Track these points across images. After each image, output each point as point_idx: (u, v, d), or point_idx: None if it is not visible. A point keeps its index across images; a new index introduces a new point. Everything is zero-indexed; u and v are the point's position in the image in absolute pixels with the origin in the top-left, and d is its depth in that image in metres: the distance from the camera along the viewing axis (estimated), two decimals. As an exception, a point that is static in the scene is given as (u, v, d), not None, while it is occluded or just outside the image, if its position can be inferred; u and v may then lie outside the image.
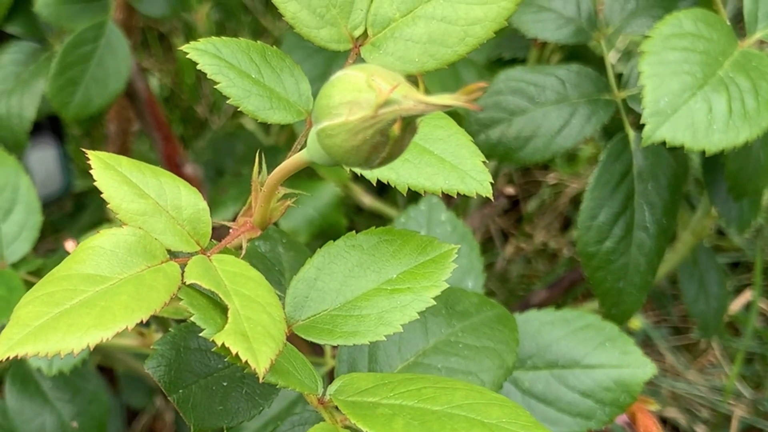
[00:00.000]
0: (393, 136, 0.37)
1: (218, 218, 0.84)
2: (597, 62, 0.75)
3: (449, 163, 0.48)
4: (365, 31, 0.51)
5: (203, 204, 0.47)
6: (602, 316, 0.72)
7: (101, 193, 0.45)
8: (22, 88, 0.80)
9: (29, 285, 0.67)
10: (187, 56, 0.49)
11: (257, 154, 0.49)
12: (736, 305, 1.26)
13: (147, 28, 1.34)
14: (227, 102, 0.49)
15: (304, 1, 0.50)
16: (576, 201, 1.31)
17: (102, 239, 0.43)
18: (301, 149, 0.46)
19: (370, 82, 0.37)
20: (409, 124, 0.37)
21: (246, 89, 0.49)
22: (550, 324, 0.68)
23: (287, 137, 0.92)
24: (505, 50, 0.85)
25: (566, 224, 1.34)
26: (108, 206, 0.45)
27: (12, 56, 0.81)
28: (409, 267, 0.49)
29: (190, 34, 1.23)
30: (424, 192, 0.48)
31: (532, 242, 1.32)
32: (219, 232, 0.88)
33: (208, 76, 0.49)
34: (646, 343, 1.27)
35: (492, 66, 0.86)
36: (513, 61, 0.86)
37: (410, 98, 0.36)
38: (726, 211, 0.79)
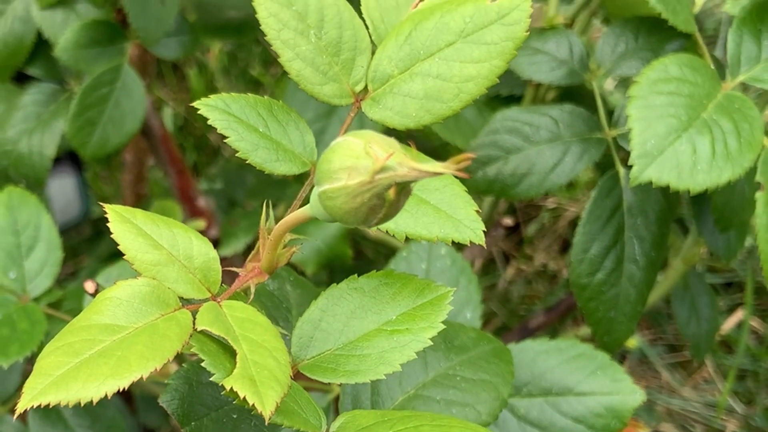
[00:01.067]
0: (389, 200, 0.39)
1: (230, 250, 0.86)
2: (590, 100, 0.77)
3: (444, 212, 0.50)
4: (366, 87, 0.52)
5: (213, 253, 0.48)
6: (595, 343, 0.74)
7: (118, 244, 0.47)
8: (42, 127, 0.82)
9: (50, 317, 0.69)
10: (199, 111, 0.51)
11: (263, 205, 0.51)
12: (728, 324, 1.27)
13: (161, 60, 1.36)
14: (236, 155, 0.51)
15: (308, 59, 0.52)
16: (574, 224, 1.32)
17: (118, 290, 0.45)
18: (305, 197, 0.48)
19: (368, 149, 0.38)
20: (403, 188, 0.39)
21: (254, 143, 0.51)
22: (544, 353, 0.70)
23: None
24: (503, 87, 0.86)
25: (565, 246, 1.35)
26: (124, 257, 0.46)
27: (33, 97, 0.83)
28: (408, 309, 0.50)
29: (203, 66, 1.25)
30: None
31: (533, 264, 1.34)
32: (231, 261, 0.90)
33: (218, 131, 0.51)
34: (642, 361, 1.28)
35: (490, 102, 0.87)
36: (510, 98, 0.87)
37: (404, 165, 0.38)
38: (713, 241, 0.80)
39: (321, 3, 0.52)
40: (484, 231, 0.50)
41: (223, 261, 0.88)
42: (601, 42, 0.75)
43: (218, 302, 0.47)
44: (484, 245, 0.50)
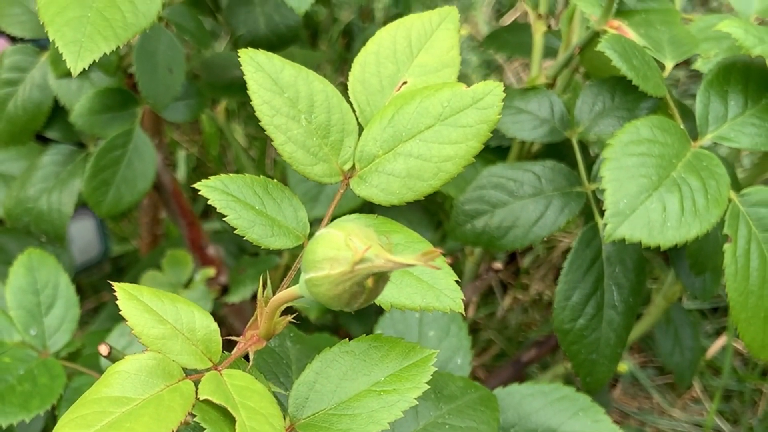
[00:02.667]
0: (368, 287, 0.41)
1: (238, 297, 0.88)
2: (571, 153, 0.79)
3: (426, 283, 0.52)
4: (353, 165, 0.55)
5: (214, 325, 0.51)
6: (579, 383, 0.76)
7: (126, 320, 0.49)
8: (61, 186, 0.84)
9: (67, 369, 0.72)
10: (200, 192, 0.53)
11: (260, 276, 0.53)
12: (715, 347, 1.29)
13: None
14: (234, 232, 0.53)
15: (299, 142, 0.54)
16: (568, 253, 1.34)
17: (127, 364, 0.47)
18: (298, 268, 0.50)
19: (348, 242, 0.41)
20: (380, 277, 0.41)
21: (251, 220, 0.53)
22: (530, 396, 0.72)
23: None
24: (492, 140, 0.88)
25: (558, 276, 1.37)
26: (132, 332, 0.49)
27: (51, 157, 0.86)
28: (395, 370, 0.53)
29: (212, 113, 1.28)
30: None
31: (528, 293, 1.36)
32: (239, 307, 0.92)
33: (217, 210, 0.53)
34: (633, 384, 1.30)
35: (480, 153, 0.89)
36: (499, 148, 0.89)
37: (381, 257, 0.40)
38: (690, 283, 0.82)
39: (311, 89, 0.55)
40: (462, 299, 0.52)
41: (232, 307, 0.91)
42: (580, 101, 0.77)
43: (219, 371, 0.49)
44: (464, 313, 0.52)
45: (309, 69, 0.56)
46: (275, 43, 0.82)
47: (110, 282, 0.51)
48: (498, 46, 0.93)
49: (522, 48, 0.89)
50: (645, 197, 0.65)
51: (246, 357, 0.53)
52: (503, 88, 0.53)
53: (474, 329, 1.33)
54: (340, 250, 0.41)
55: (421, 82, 0.57)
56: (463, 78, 1.55)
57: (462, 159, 0.53)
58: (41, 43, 0.84)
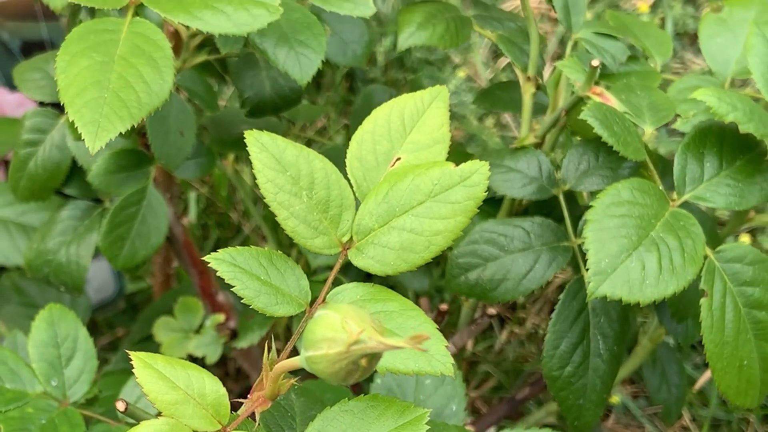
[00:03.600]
0: (362, 366, 0.44)
1: (246, 342, 0.91)
2: (559, 210, 0.82)
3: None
4: (351, 238, 0.58)
5: (223, 390, 0.54)
6: (568, 426, 0.79)
7: (142, 387, 0.52)
8: (78, 239, 0.88)
9: (86, 417, 0.75)
10: (209, 264, 0.56)
11: (266, 343, 0.56)
12: (704, 378, 1.32)
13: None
14: (241, 302, 0.56)
15: (301, 217, 0.57)
16: (561, 289, 1.37)
17: (143, 429, 0.50)
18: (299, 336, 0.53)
19: (344, 324, 0.44)
20: (374, 356, 0.44)
21: (256, 290, 0.56)
22: (520, 441, 0.75)
23: (303, 265, 0.99)
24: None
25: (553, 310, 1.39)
26: (147, 398, 0.52)
27: (70, 212, 0.89)
28: (391, 429, 0.55)
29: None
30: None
31: (525, 327, 1.38)
32: (248, 352, 0.95)
33: (225, 281, 0.56)
34: (625, 414, 1.33)
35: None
36: (492, 199, 0.92)
37: (374, 339, 0.43)
38: (673, 329, 0.85)
39: (311, 167, 0.58)
40: (452, 363, 0.55)
41: (240, 352, 0.94)
42: (567, 160, 0.80)
43: (228, 432, 0.53)
44: (453, 376, 0.55)
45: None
46: (280, 104, 0.85)
47: (126, 351, 0.54)
48: (491, 104, 0.96)
49: (513, 105, 0.92)
50: (625, 257, 0.68)
51: (252, 416, 0.56)
52: (486, 164, 0.56)
53: (472, 362, 1.36)
54: (337, 332, 0.44)
55: (414, 158, 0.60)
56: (461, 119, 1.59)
57: (451, 233, 0.56)
58: (61, 106, 0.88)
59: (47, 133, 0.86)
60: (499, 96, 0.96)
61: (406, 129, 0.61)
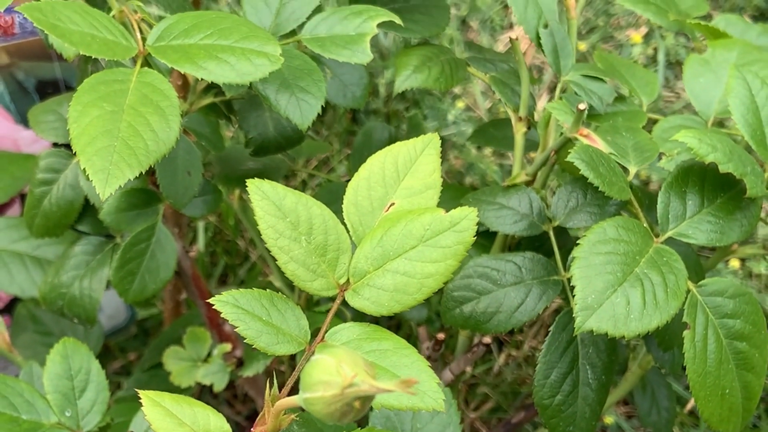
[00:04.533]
0: (356, 407, 0.46)
1: (252, 371, 0.93)
2: (549, 245, 0.83)
3: (412, 385, 0.57)
4: (348, 280, 0.60)
5: (226, 426, 0.56)
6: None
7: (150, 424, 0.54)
8: (91, 273, 0.90)
9: (100, 446, 0.76)
10: (214, 306, 0.58)
11: (266, 380, 0.58)
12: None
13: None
14: (244, 341, 0.58)
15: (300, 261, 0.59)
16: (557, 312, 1.39)
17: (151, 465, 0.52)
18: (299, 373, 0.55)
19: (339, 368, 0.46)
20: (367, 398, 0.46)
21: (258, 330, 0.58)
22: (513, 467, 0.76)
23: (305, 300, 1.01)
24: (481, 226, 0.93)
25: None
26: (156, 434, 0.54)
27: (82, 248, 0.91)
28: (386, 461, 0.57)
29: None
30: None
31: (522, 350, 1.40)
32: (254, 380, 0.96)
33: (229, 322, 0.58)
34: (619, 434, 1.34)
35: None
36: (486, 232, 0.94)
37: (366, 383, 0.45)
38: (660, 357, 0.87)
39: (310, 213, 0.60)
40: (444, 399, 0.57)
41: (246, 379, 0.95)
42: (556, 198, 0.82)
43: (232, 466, 0.54)
44: (445, 411, 0.57)
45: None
46: (283, 144, 0.87)
47: (137, 390, 0.56)
48: (485, 141, 0.98)
49: (506, 142, 0.94)
50: (611, 292, 0.70)
51: (255, 450, 0.58)
52: (474, 207, 0.58)
53: (472, 384, 1.37)
54: (332, 375, 0.46)
55: (407, 203, 0.62)
56: (461, 149, 1.60)
57: (442, 276, 0.58)
58: (73, 147, 0.90)
59: (61, 173, 0.88)
60: (492, 134, 0.98)
61: (400, 175, 0.63)
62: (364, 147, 1.00)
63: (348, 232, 0.61)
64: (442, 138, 1.56)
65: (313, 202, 0.60)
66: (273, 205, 0.59)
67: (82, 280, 0.90)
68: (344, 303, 0.60)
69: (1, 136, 1.12)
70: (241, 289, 0.59)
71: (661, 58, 1.80)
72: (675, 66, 1.81)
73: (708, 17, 1.74)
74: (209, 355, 0.97)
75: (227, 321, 0.95)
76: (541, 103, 1.61)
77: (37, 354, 1.15)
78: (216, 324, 0.96)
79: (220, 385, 0.94)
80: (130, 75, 0.70)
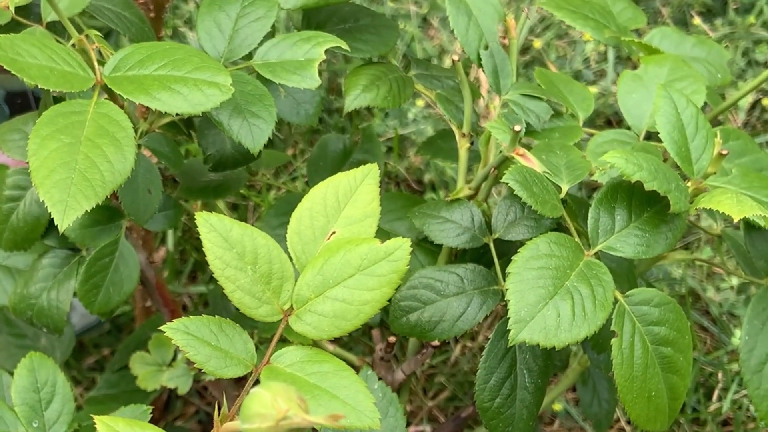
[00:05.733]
0: (291, 440, 0.48)
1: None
2: (490, 256, 0.86)
3: (350, 405, 0.59)
4: (291, 306, 0.62)
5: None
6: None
7: None
8: (58, 285, 0.91)
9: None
10: (165, 333, 0.60)
11: (216, 411, 0.60)
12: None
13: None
14: (193, 366, 0.60)
15: (246, 289, 0.61)
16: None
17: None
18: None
19: (273, 402, 0.48)
20: (300, 429, 0.49)
21: (207, 355, 0.60)
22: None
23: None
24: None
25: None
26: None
27: (50, 260, 0.93)
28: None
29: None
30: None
31: (476, 341, 1.43)
32: (216, 383, 0.98)
33: (179, 348, 0.60)
34: (567, 418, 1.37)
35: (420, 244, 0.97)
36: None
37: (299, 416, 0.47)
38: (594, 358, 0.90)
39: (255, 244, 0.62)
40: (380, 418, 0.59)
41: (210, 381, 0.97)
42: (496, 212, 0.84)
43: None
44: (380, 429, 0.59)
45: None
46: (240, 160, 0.89)
47: (94, 417, 0.58)
48: (433, 154, 1.00)
49: (453, 155, 0.96)
50: (542, 306, 0.73)
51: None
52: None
53: (430, 374, 1.40)
54: (267, 408, 0.48)
55: (347, 231, 0.64)
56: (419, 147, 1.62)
57: (378, 303, 0.60)
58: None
59: (27, 190, 0.90)
60: (440, 146, 1.00)
61: (341, 205, 0.65)
62: (319, 158, 1.02)
63: (291, 260, 0.63)
64: (402, 136, 1.58)
65: (258, 233, 0.62)
66: (220, 237, 0.61)
67: (50, 292, 0.92)
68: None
69: (-28, 146, 1.13)
70: (191, 317, 0.61)
71: (611, 55, 1.82)
72: (626, 61, 1.84)
73: (658, 14, 1.76)
74: (174, 359, 0.99)
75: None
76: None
77: (12, 356, 1.17)
78: (179, 329, 0.99)
79: (184, 388, 0.96)
80: (87, 106, 0.72)
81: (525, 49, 1.85)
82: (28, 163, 0.90)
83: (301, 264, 0.63)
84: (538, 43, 1.84)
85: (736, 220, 0.72)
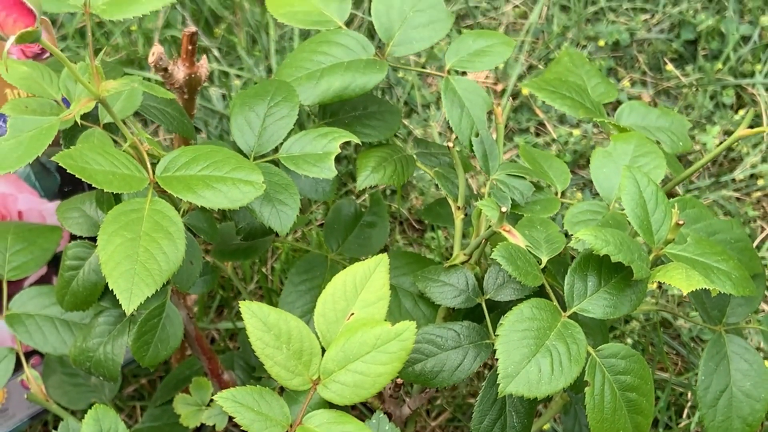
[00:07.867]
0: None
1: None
2: (482, 313, 0.96)
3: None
4: (319, 377, 0.72)
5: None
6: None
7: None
8: (112, 341, 1.01)
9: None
10: (218, 402, 0.70)
11: None
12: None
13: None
14: (240, 427, 0.70)
15: (281, 364, 0.71)
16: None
17: None
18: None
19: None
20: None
21: (251, 418, 0.71)
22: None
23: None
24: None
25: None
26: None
27: (105, 318, 1.02)
28: None
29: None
30: None
31: (473, 367, 1.53)
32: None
33: (229, 414, 0.71)
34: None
35: (422, 297, 1.07)
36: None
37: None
38: (573, 396, 1.00)
39: (288, 326, 0.72)
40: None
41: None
42: (487, 275, 0.94)
43: None
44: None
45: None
46: (268, 231, 0.99)
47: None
48: (433, 219, 1.11)
49: (449, 219, 1.06)
50: (526, 363, 0.83)
51: None
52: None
53: (432, 397, 1.50)
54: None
55: (364, 312, 0.74)
56: (420, 190, 1.73)
57: (390, 375, 0.70)
58: (94, 238, 1.01)
59: (85, 260, 1.00)
60: (438, 211, 1.10)
61: (357, 290, 0.75)
62: (334, 221, 1.12)
63: (318, 338, 0.73)
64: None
65: (290, 317, 0.72)
66: (260, 321, 0.72)
67: (105, 346, 1.02)
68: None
69: (29, 209, 1.24)
70: (239, 387, 0.71)
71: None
72: (606, 106, 1.94)
73: (635, 60, 1.87)
74: (211, 400, 1.09)
75: (225, 371, 1.07)
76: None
77: (66, 393, 1.27)
78: (216, 374, 1.09)
79: (220, 425, 1.06)
80: (143, 204, 0.82)
81: (514, 95, 1.96)
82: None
83: (326, 341, 0.73)
84: (525, 90, 1.94)
85: (685, 294, 0.82)
